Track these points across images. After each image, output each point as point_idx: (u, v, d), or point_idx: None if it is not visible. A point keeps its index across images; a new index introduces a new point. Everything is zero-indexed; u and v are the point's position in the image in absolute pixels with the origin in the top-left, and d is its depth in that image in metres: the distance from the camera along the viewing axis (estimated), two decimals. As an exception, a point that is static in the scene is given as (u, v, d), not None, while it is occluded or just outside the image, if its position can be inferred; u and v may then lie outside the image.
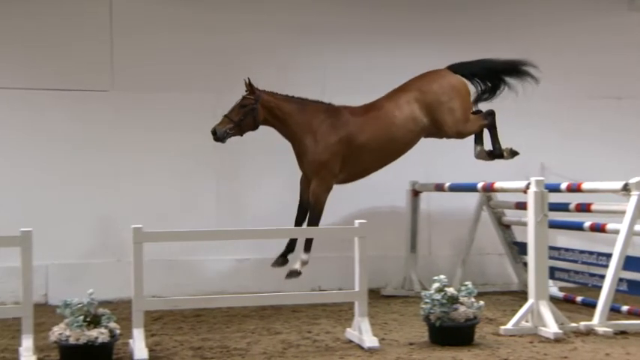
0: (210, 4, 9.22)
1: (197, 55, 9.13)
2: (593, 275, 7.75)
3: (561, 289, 8.40)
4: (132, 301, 6.09)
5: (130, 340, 6.11)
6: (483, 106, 8.56)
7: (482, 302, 6.47)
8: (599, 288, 6.92)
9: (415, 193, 9.20)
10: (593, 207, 7.40)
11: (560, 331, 6.48)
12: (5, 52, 8.75)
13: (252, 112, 7.88)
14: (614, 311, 7.00)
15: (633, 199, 6.68)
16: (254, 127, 7.98)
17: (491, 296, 8.54)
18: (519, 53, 8.49)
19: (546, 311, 6.64)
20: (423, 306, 6.38)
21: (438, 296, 6.30)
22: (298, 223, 8.09)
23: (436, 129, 8.33)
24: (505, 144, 8.53)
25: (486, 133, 8.54)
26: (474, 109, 8.55)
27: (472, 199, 9.11)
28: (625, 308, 7.20)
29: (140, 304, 6.07)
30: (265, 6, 9.33)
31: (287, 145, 8.15)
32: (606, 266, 6.98)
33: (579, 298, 7.95)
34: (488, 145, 8.54)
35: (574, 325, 6.72)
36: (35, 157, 8.70)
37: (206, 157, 8.89)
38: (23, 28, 8.77)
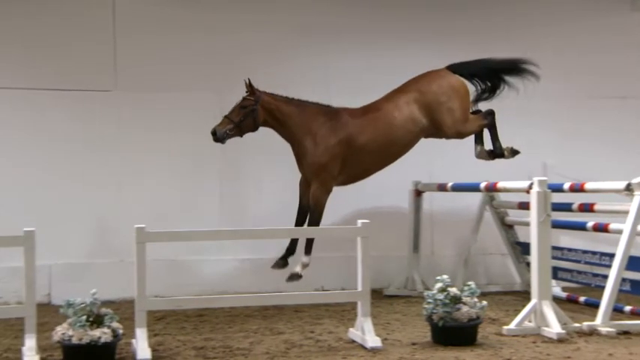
0: (212, 4, 9.22)
1: (199, 55, 9.13)
2: (596, 275, 7.74)
3: (564, 289, 8.40)
4: (135, 301, 6.09)
5: (133, 340, 6.11)
6: (484, 106, 8.55)
7: (485, 302, 6.46)
8: (602, 288, 6.91)
9: (418, 193, 9.20)
10: (596, 207, 7.40)
11: (563, 332, 6.48)
12: (8, 52, 8.76)
13: (253, 113, 7.88)
14: (617, 311, 6.99)
15: (636, 199, 6.67)
16: (254, 129, 7.99)
17: (494, 296, 8.53)
18: (520, 53, 8.48)
19: (549, 311, 6.63)
20: (426, 306, 6.38)
21: (440, 296, 6.29)
22: (298, 225, 8.09)
23: (435, 129, 8.33)
24: (508, 144, 8.52)
25: (486, 133, 8.53)
26: (473, 109, 8.55)
27: (475, 199, 9.12)
28: (628, 308, 7.19)
29: (143, 303, 6.07)
30: (266, 6, 9.32)
31: (288, 146, 8.16)
32: (609, 266, 6.98)
33: (582, 298, 7.94)
34: (488, 144, 8.53)
35: (577, 325, 6.71)
36: (38, 157, 8.71)
37: (208, 157, 8.89)
38: (25, 28, 8.78)
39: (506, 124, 8.78)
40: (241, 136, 7.98)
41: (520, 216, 8.64)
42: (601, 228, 7.36)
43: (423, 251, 9.21)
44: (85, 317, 5.72)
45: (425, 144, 8.66)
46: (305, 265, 7.90)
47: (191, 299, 7.11)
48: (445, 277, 6.46)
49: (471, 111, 8.49)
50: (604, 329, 6.60)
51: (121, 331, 5.90)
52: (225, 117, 7.85)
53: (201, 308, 7.69)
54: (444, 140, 8.57)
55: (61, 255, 8.57)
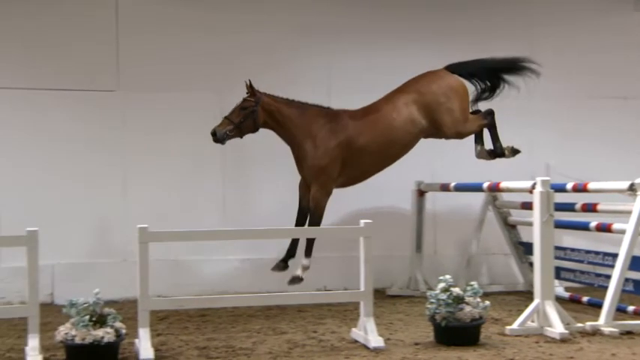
0: (215, 4, 9.22)
1: (201, 55, 9.13)
2: (599, 275, 7.74)
3: (567, 289, 8.39)
4: (137, 301, 6.10)
5: (136, 340, 6.12)
6: (485, 105, 8.53)
7: (487, 302, 6.46)
8: (605, 288, 6.91)
9: (421, 193, 9.20)
10: (599, 207, 7.39)
11: (566, 332, 6.47)
12: (10, 52, 8.76)
13: (253, 114, 7.89)
14: (620, 311, 6.99)
15: (639, 199, 6.66)
16: (254, 130, 7.99)
17: (496, 296, 8.53)
18: (521, 53, 8.46)
19: (552, 311, 6.63)
20: (429, 306, 6.38)
21: (443, 296, 6.29)
22: (298, 227, 8.09)
23: (435, 130, 8.33)
24: (510, 144, 8.52)
25: (486, 133, 8.53)
26: (473, 109, 8.54)
27: (478, 199, 9.11)
28: (631, 308, 7.19)
29: (146, 303, 6.08)
30: (267, 6, 9.31)
31: (289, 147, 8.15)
32: (612, 266, 6.97)
33: (585, 298, 7.94)
34: (488, 144, 8.52)
35: (580, 325, 6.71)
36: (40, 157, 8.72)
37: (211, 157, 8.89)
38: (27, 28, 8.78)
39: (509, 124, 8.78)
40: (241, 137, 7.99)
41: (523, 216, 8.64)
42: (604, 228, 7.35)
43: (425, 251, 9.21)
44: (87, 317, 5.72)
45: (428, 144, 8.66)
46: (305, 268, 7.92)
47: (194, 299, 7.11)
48: (448, 277, 6.46)
49: (470, 111, 8.49)
50: (607, 329, 6.59)
51: (123, 331, 5.90)
52: (226, 118, 7.86)
53: (203, 308, 7.70)
54: (446, 140, 8.56)
55: (64, 255, 8.58)
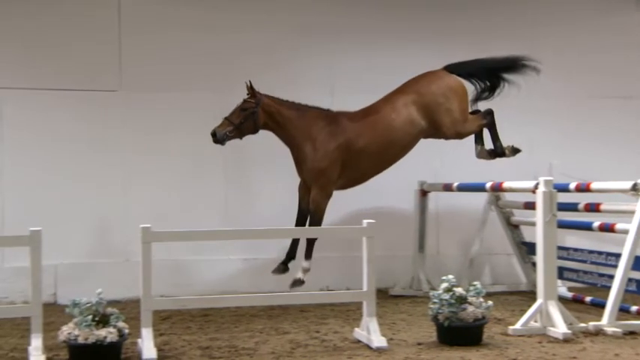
0: (220, 4, 9.22)
1: (204, 55, 9.13)
2: (602, 275, 7.73)
3: (570, 289, 8.39)
4: (140, 301, 6.10)
5: (139, 340, 6.12)
6: (486, 105, 8.52)
7: (490, 302, 6.46)
8: (608, 288, 6.90)
9: (423, 193, 9.19)
10: (602, 207, 7.38)
11: (569, 332, 6.47)
12: (12, 52, 8.77)
13: (253, 115, 7.89)
14: (623, 311, 6.98)
15: (642, 199, 6.66)
16: (254, 131, 8.00)
17: (499, 296, 8.52)
18: (522, 53, 8.44)
19: (555, 311, 6.62)
20: (432, 306, 6.37)
21: (446, 296, 6.29)
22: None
23: (435, 130, 8.32)
24: (512, 143, 8.52)
25: (486, 133, 8.53)
26: (473, 109, 8.54)
27: (480, 199, 9.10)
28: (634, 308, 7.18)
29: (148, 303, 6.08)
30: (273, 5, 9.32)
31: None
32: (615, 266, 6.96)
33: (588, 298, 7.93)
34: (489, 143, 8.52)
35: (583, 325, 6.70)
36: (43, 157, 8.72)
37: (213, 157, 8.88)
38: (29, 28, 8.78)
39: (511, 124, 8.78)
40: (241, 138, 8.00)
41: (526, 216, 8.63)
42: (607, 228, 7.34)
43: (428, 251, 9.21)
44: (90, 317, 5.73)
45: (430, 144, 8.67)
46: (306, 270, 7.94)
47: (196, 299, 7.12)
48: (451, 277, 6.46)
49: (470, 111, 8.49)
50: (610, 329, 6.59)
51: (126, 331, 5.90)
52: (226, 119, 7.87)
53: (206, 308, 7.70)
54: (448, 140, 8.56)
55: (67, 255, 8.59)
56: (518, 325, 6.70)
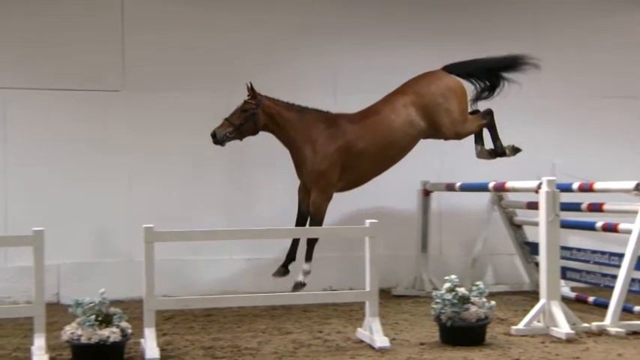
0: (224, 4, 9.22)
1: (208, 55, 9.13)
2: (605, 275, 7.72)
3: (573, 289, 8.38)
4: (143, 301, 6.10)
5: (142, 340, 6.13)
6: (487, 105, 8.51)
7: (493, 302, 6.45)
8: (611, 288, 6.89)
9: (426, 193, 9.18)
10: (605, 207, 7.38)
11: (572, 332, 6.46)
12: (15, 52, 8.77)
13: (253, 117, 7.90)
14: (626, 311, 6.97)
15: (646, 199, 6.65)
16: (254, 132, 8.01)
17: (502, 296, 8.51)
18: (522, 52, 8.43)
19: (558, 311, 6.62)
20: (434, 306, 6.37)
21: (449, 296, 6.28)
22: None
23: (434, 131, 8.32)
24: (516, 143, 8.51)
25: (486, 133, 8.52)
26: (472, 109, 8.53)
27: (483, 199, 9.10)
28: (637, 308, 7.17)
29: (151, 303, 6.08)
30: (280, 5, 9.33)
31: (294, 148, 8.19)
32: (618, 266, 6.96)
33: (591, 299, 7.92)
34: (489, 143, 8.51)
35: (586, 325, 6.70)
36: (46, 157, 8.73)
37: (217, 157, 8.88)
38: (32, 29, 8.79)
39: (514, 124, 8.76)
40: (241, 139, 8.01)
41: (529, 216, 8.62)
42: (610, 228, 7.33)
43: (431, 251, 9.20)
44: (93, 317, 5.73)
45: (433, 144, 8.67)
46: (307, 273, 7.95)
47: (199, 299, 7.12)
48: (453, 277, 6.45)
49: (469, 111, 8.48)
50: (613, 329, 6.58)
51: (129, 331, 5.91)
52: (226, 120, 7.88)
53: (209, 308, 7.71)
54: (448, 141, 8.56)
55: (70, 254, 8.60)
56: (521, 325, 6.70)
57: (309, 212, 8.05)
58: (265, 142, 8.27)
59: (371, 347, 6.23)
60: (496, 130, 8.44)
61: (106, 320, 5.79)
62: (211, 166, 8.99)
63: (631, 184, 6.73)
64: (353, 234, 7.64)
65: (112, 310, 5.88)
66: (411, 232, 9.15)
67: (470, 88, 8.51)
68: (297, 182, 8.24)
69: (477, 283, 6.57)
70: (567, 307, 6.76)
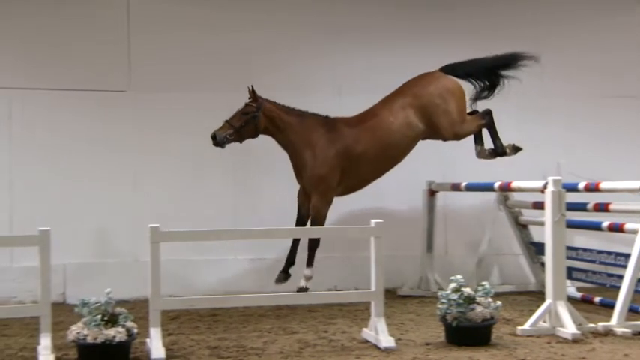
0: (231, 3, 9.23)
1: (213, 54, 9.15)
2: (611, 275, 7.70)
3: (579, 289, 8.36)
4: (149, 300, 6.11)
5: (147, 339, 6.13)
6: (491, 104, 8.50)
7: (499, 302, 6.44)
8: (618, 288, 6.88)
9: (432, 193, 9.17)
10: (611, 207, 7.36)
11: (578, 332, 6.45)
12: (21, 52, 8.80)
13: (254, 119, 7.93)
14: (632, 312, 6.94)
15: (651, 199, 6.64)
16: (254, 135, 8.04)
17: (508, 296, 8.50)
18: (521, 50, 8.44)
19: (564, 311, 6.60)
20: (440, 306, 6.36)
21: (454, 296, 6.28)
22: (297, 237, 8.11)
23: (433, 132, 8.32)
24: (522, 143, 8.50)
25: (486, 133, 8.52)
26: (472, 109, 8.52)
27: (489, 199, 9.08)
28: (643, 308, 7.16)
29: (157, 303, 6.09)
30: (291, 6, 9.34)
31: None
32: (624, 266, 6.94)
33: (597, 299, 7.91)
34: (488, 143, 8.52)
35: (592, 325, 6.68)
36: (52, 157, 8.75)
37: (223, 157, 8.87)
38: (38, 28, 8.81)
39: (517, 124, 8.74)
40: (241, 142, 8.03)
41: (534, 216, 8.61)
42: (616, 228, 7.32)
43: (436, 251, 9.19)
44: (99, 316, 5.74)
45: (438, 144, 8.65)
46: (308, 278, 7.98)
47: (205, 299, 7.13)
48: (459, 277, 6.45)
49: (468, 111, 8.47)
50: (619, 329, 6.57)
51: (135, 330, 5.91)
52: (226, 122, 7.90)
53: (214, 308, 7.71)
54: (450, 141, 8.56)
55: (76, 254, 8.61)
56: (526, 326, 6.69)
57: (310, 217, 8.06)
58: (271, 143, 8.28)
59: (376, 347, 6.23)
60: (495, 130, 8.44)
61: (111, 320, 5.80)
62: (216, 167, 8.98)
63: (637, 184, 6.71)
64: (358, 234, 7.64)
65: (118, 309, 5.89)
66: (416, 232, 9.14)
67: (469, 88, 8.50)
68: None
69: (483, 283, 6.56)
70: (573, 308, 6.75)
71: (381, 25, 9.53)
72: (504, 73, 8.40)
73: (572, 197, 7.07)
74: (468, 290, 6.34)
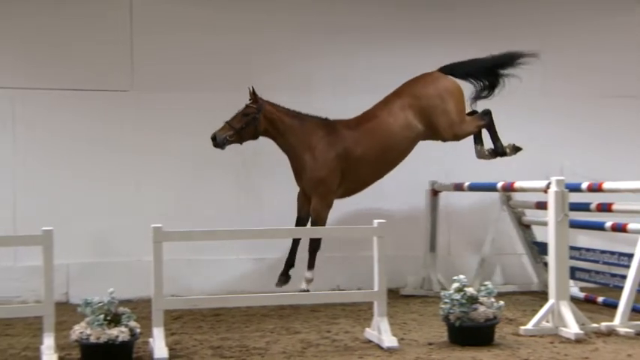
0: (233, 3, 9.23)
1: (216, 54, 9.15)
2: (614, 275, 7.69)
3: (582, 289, 8.35)
4: (152, 300, 6.12)
5: (150, 339, 6.14)
6: (494, 104, 8.50)
7: (502, 302, 6.44)
8: (621, 288, 6.87)
9: (434, 193, 9.17)
10: (614, 207, 7.36)
11: (581, 332, 6.44)
12: (24, 52, 8.80)
13: (254, 121, 7.94)
14: (635, 312, 6.94)
15: (655, 199, 6.63)
16: (254, 137, 8.05)
17: (511, 296, 8.50)
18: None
19: (567, 311, 6.60)
20: (443, 306, 6.36)
21: (457, 296, 6.28)
22: (296, 239, 8.12)
23: (432, 133, 8.32)
24: (526, 144, 8.49)
25: (486, 134, 8.51)
26: (472, 109, 8.51)
27: (492, 199, 9.08)
28: (647, 309, 7.15)
29: (160, 303, 6.09)
30: (291, 6, 9.33)
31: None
32: (628, 266, 6.94)
33: (600, 299, 7.90)
34: (488, 143, 8.52)
35: (595, 325, 6.68)
36: (55, 156, 8.76)
37: (227, 157, 8.88)
38: (42, 29, 8.82)
39: (526, 123, 8.70)
40: (241, 143, 8.05)
41: (537, 216, 8.60)
42: (619, 228, 7.31)
43: (439, 251, 9.18)
44: (102, 316, 5.74)
45: (441, 144, 8.64)
46: (309, 281, 8.00)
47: (207, 298, 7.14)
48: (462, 277, 6.44)
49: (467, 111, 8.47)
50: (622, 330, 6.56)
51: (138, 330, 5.92)
52: (227, 123, 7.91)
53: (217, 308, 7.71)
54: (449, 142, 8.56)
55: (79, 254, 8.62)
56: (529, 326, 6.68)
57: (310, 219, 8.06)
58: (273, 144, 8.29)
59: (379, 347, 6.23)
60: (495, 130, 8.44)
61: (114, 320, 5.80)
62: (219, 167, 8.98)
63: (640, 184, 6.72)
64: (361, 234, 7.64)
65: (121, 309, 5.90)
66: (419, 232, 9.14)
67: (469, 88, 8.49)
68: (307, 186, 8.25)
69: (486, 283, 6.56)
70: (576, 308, 6.74)
71: (381, 25, 9.53)
72: (503, 72, 8.39)
73: (575, 197, 7.06)
74: (470, 290, 6.34)
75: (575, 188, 7.17)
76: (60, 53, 8.86)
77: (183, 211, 8.80)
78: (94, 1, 8.98)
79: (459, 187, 8.85)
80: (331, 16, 9.43)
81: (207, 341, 6.55)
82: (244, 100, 8.06)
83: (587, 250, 8.09)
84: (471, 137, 8.55)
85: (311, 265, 8.03)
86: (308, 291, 7.94)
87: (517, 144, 8.49)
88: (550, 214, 6.79)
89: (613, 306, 6.99)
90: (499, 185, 8.21)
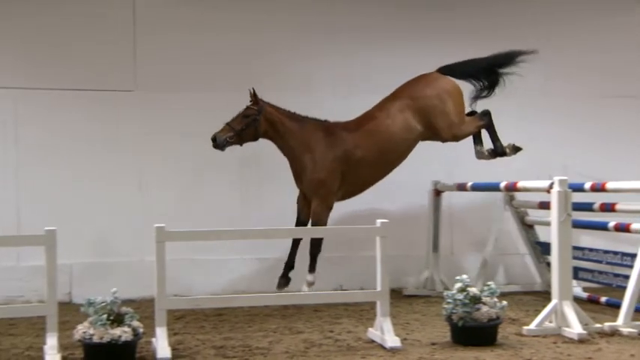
0: (234, 4, 9.23)
1: (220, 54, 9.15)
2: (617, 275, 7.68)
3: (585, 289, 8.34)
4: (154, 300, 6.12)
5: (153, 339, 6.14)
6: (494, 104, 8.49)
7: (505, 302, 6.44)
8: (624, 288, 6.87)
9: (437, 193, 9.17)
10: (617, 207, 7.35)
11: (585, 332, 6.44)
12: (27, 52, 8.81)
13: (254, 122, 7.94)
14: (638, 312, 6.93)
15: (658, 199, 6.62)
16: (254, 138, 8.05)
17: (514, 296, 8.49)
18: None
19: (570, 312, 6.59)
20: (446, 306, 6.36)
21: (460, 296, 6.27)
22: (296, 241, 8.12)
23: (431, 134, 8.32)
24: (528, 143, 8.47)
25: (485, 134, 8.51)
26: (471, 109, 8.51)
27: (495, 199, 9.07)
28: (650, 309, 7.13)
29: (163, 302, 6.10)
30: (291, 6, 9.33)
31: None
32: (631, 266, 6.93)
33: (603, 299, 7.89)
34: (488, 144, 8.51)
35: (598, 325, 6.67)
36: (59, 156, 8.76)
37: (229, 157, 8.87)
38: (45, 29, 8.82)
39: (528, 124, 8.69)
40: (241, 144, 8.05)
41: (540, 216, 8.59)
42: (623, 228, 7.31)
43: (442, 251, 9.18)
44: (105, 316, 5.75)
45: (441, 144, 8.64)
46: (310, 284, 8.00)
47: (210, 298, 7.14)
48: (465, 276, 6.44)
49: (467, 112, 8.46)
50: (625, 330, 6.56)
51: (141, 330, 5.92)
52: (227, 124, 7.91)
53: (220, 307, 7.71)
54: (461, 140, 8.55)
55: (82, 254, 8.63)
56: (532, 326, 6.68)
57: (310, 222, 8.05)
58: (274, 146, 8.28)
59: (382, 347, 6.23)
60: (495, 130, 8.43)
61: (117, 319, 5.81)
62: (221, 168, 8.98)
63: (643, 184, 6.71)
64: (364, 234, 7.64)
65: (124, 309, 5.90)
66: (422, 232, 9.14)
67: (468, 88, 8.48)
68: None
69: (489, 283, 6.56)
70: (579, 308, 6.74)
71: (381, 25, 9.52)
72: (503, 71, 8.38)
73: (578, 197, 7.06)
74: (473, 290, 6.34)
75: (578, 188, 7.17)
76: (63, 53, 8.87)
77: (185, 211, 8.79)
78: (97, 2, 8.98)
79: (461, 187, 8.85)
80: (331, 16, 9.43)
81: (210, 341, 6.55)
82: (245, 100, 8.06)
83: (590, 250, 8.07)
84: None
85: (312, 269, 8.04)
86: None
87: (517, 144, 8.49)
88: (553, 214, 6.79)
89: (616, 306, 6.98)
90: (502, 185, 8.21)
